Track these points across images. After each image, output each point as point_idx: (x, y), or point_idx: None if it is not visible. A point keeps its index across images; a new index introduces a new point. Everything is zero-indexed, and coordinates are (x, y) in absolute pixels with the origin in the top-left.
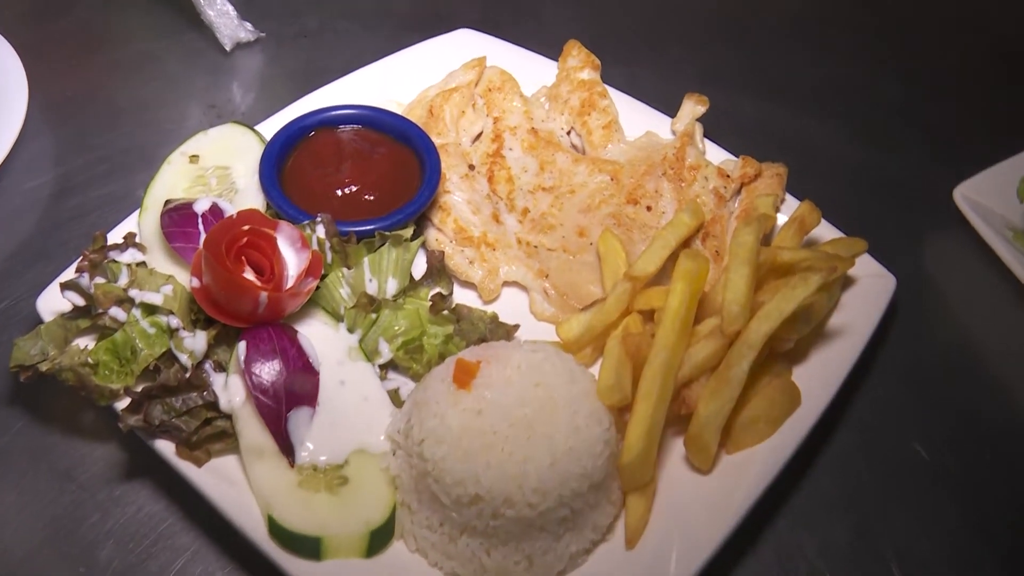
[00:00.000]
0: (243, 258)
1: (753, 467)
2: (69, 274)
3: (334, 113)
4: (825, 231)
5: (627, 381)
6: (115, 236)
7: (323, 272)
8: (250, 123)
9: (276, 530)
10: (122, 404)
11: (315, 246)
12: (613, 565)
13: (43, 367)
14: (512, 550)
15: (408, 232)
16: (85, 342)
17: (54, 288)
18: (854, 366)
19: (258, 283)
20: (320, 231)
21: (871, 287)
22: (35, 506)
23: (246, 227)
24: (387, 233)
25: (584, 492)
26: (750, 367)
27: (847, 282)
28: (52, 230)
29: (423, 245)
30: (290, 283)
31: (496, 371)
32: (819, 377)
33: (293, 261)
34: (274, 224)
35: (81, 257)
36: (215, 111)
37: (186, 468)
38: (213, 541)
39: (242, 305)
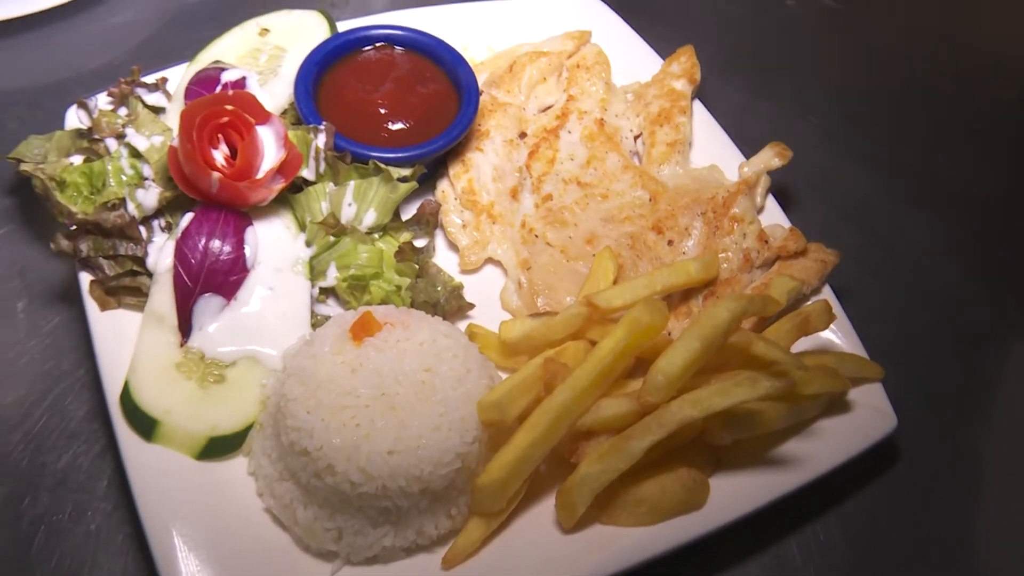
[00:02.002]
0: (220, 136)
1: (613, 549)
2: (102, 96)
3: (400, 34)
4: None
5: (518, 405)
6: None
7: (309, 180)
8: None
9: (125, 396)
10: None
11: (312, 152)
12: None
13: (25, 167)
14: (325, 515)
15: (407, 172)
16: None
17: None
18: (789, 496)
19: (219, 164)
20: (320, 139)
21: (862, 421)
22: None
23: (229, 107)
24: (381, 165)
25: (414, 493)
26: (652, 446)
27: (843, 406)
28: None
29: (432, 190)
30: (259, 175)
31: (398, 339)
32: (743, 491)
33: (270, 156)
34: (265, 116)
35: (116, 84)
36: (332, 1)
37: (89, 306)
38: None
39: (198, 180)
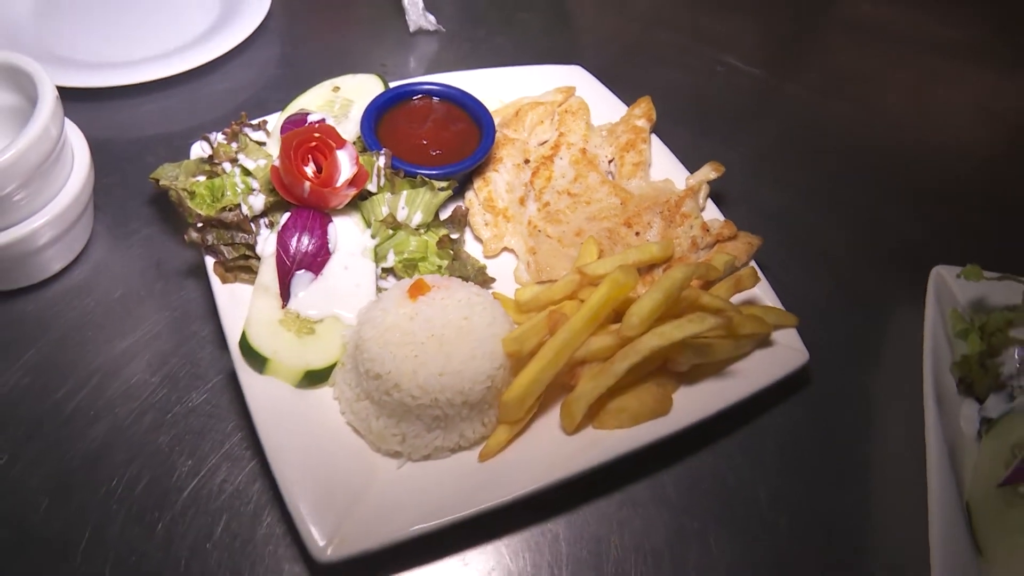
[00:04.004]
0: (310, 156)
1: (604, 444)
2: (219, 134)
3: (437, 87)
4: (772, 301)
5: (531, 342)
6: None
7: (372, 191)
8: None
9: (243, 341)
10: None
11: (374, 170)
12: (464, 467)
13: (162, 182)
14: (393, 424)
15: (444, 184)
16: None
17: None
18: (731, 408)
19: (309, 176)
20: (381, 161)
21: (781, 356)
22: (136, 269)
23: (317, 135)
24: (426, 179)
25: (457, 404)
26: (630, 368)
27: (769, 344)
28: (254, 106)
29: (461, 199)
30: (336, 184)
31: (442, 297)
32: (697, 403)
33: (346, 171)
34: (342, 142)
35: (230, 125)
36: (384, 68)
37: (214, 280)
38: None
39: (294, 187)
